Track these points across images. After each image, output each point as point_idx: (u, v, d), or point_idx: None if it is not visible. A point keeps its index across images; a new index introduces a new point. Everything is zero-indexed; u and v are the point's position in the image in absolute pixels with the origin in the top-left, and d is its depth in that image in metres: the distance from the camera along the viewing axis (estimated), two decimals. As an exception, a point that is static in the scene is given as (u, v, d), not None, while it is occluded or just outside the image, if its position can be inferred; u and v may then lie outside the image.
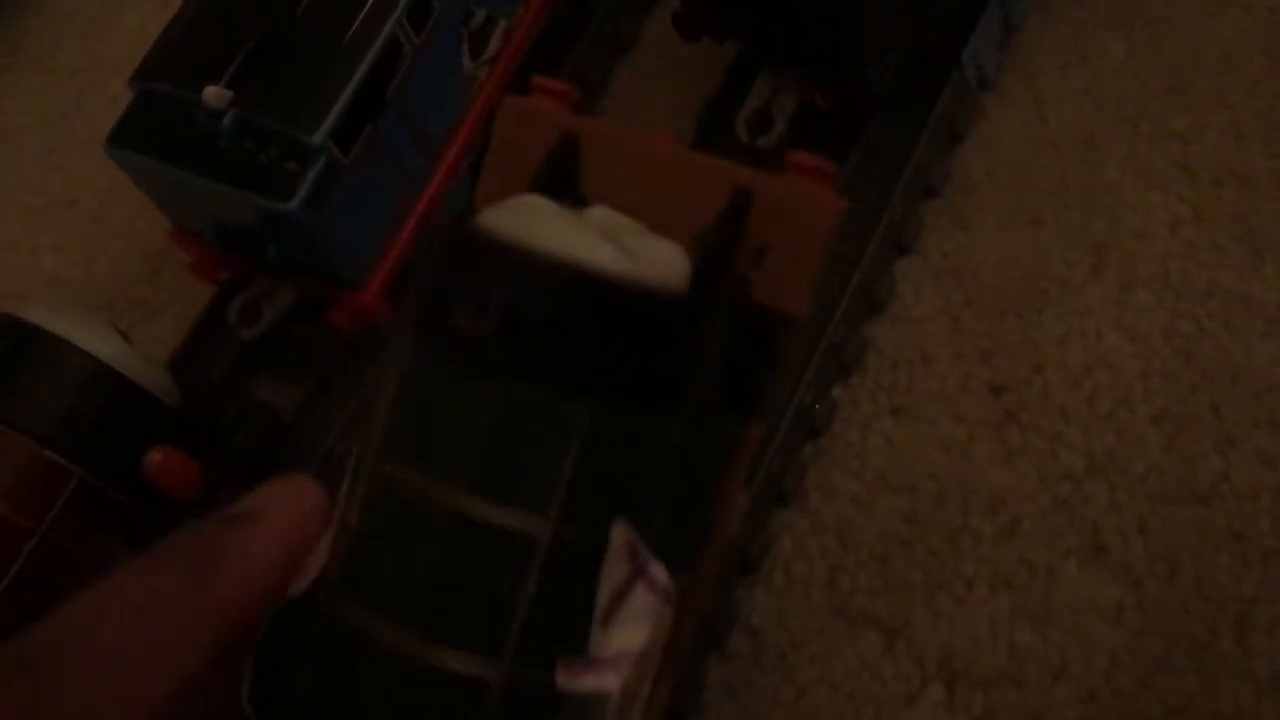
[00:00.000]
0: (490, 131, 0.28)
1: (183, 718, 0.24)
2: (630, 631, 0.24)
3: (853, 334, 0.44)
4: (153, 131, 0.42)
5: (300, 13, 0.42)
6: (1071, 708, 0.38)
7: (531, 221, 0.24)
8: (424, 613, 0.23)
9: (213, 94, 0.40)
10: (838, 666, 0.40)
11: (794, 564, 0.42)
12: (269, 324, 0.47)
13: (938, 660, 0.39)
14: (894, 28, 0.43)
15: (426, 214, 0.45)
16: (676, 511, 0.25)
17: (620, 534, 0.24)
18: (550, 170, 0.27)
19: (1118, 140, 0.46)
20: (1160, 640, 0.38)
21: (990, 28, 0.46)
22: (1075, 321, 0.43)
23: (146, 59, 0.43)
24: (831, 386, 0.44)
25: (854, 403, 0.44)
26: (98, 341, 0.41)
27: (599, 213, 0.25)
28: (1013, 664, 0.39)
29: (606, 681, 0.23)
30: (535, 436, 0.23)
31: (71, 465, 0.40)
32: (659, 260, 0.24)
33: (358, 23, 0.41)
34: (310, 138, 0.40)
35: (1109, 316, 0.43)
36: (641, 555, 0.24)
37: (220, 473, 0.43)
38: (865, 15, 0.41)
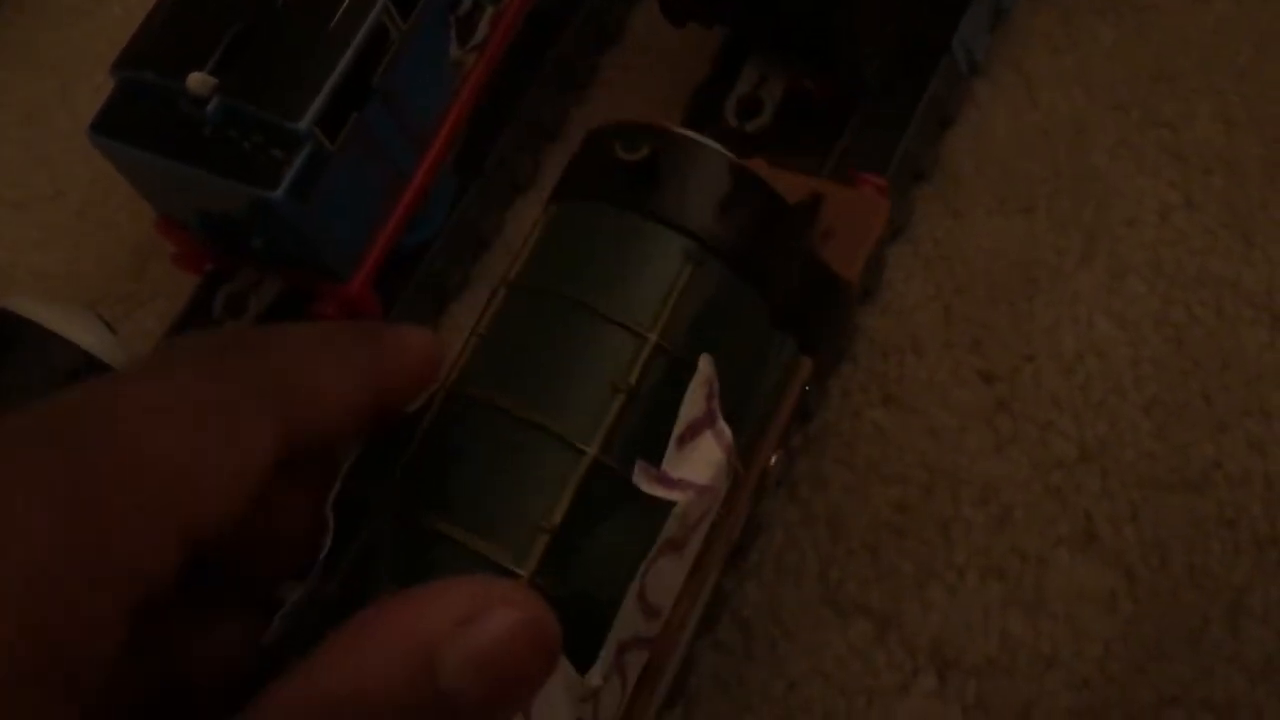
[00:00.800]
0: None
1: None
2: (698, 468, 0.28)
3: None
4: (136, 119, 0.42)
5: (285, -2, 0.41)
6: (1064, 695, 0.38)
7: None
8: (541, 386, 0.28)
9: (197, 81, 0.40)
10: (829, 657, 0.40)
11: (785, 555, 0.41)
12: (254, 316, 0.46)
13: (929, 649, 0.39)
14: (884, 19, 0.43)
15: (412, 204, 0.45)
16: (744, 380, 0.30)
17: (706, 364, 0.28)
18: None
19: (1108, 127, 0.46)
20: (1153, 628, 0.38)
21: (980, 12, 0.46)
22: (1066, 309, 0.43)
23: (129, 46, 0.42)
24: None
25: (845, 392, 0.44)
26: (83, 332, 0.41)
27: None
28: (1005, 653, 0.39)
29: (673, 495, 0.28)
30: (655, 263, 0.29)
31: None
32: None
33: (344, 8, 0.41)
34: (296, 124, 0.40)
35: (1100, 304, 0.43)
36: (716, 400, 0.29)
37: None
38: (855, 7, 0.41)
